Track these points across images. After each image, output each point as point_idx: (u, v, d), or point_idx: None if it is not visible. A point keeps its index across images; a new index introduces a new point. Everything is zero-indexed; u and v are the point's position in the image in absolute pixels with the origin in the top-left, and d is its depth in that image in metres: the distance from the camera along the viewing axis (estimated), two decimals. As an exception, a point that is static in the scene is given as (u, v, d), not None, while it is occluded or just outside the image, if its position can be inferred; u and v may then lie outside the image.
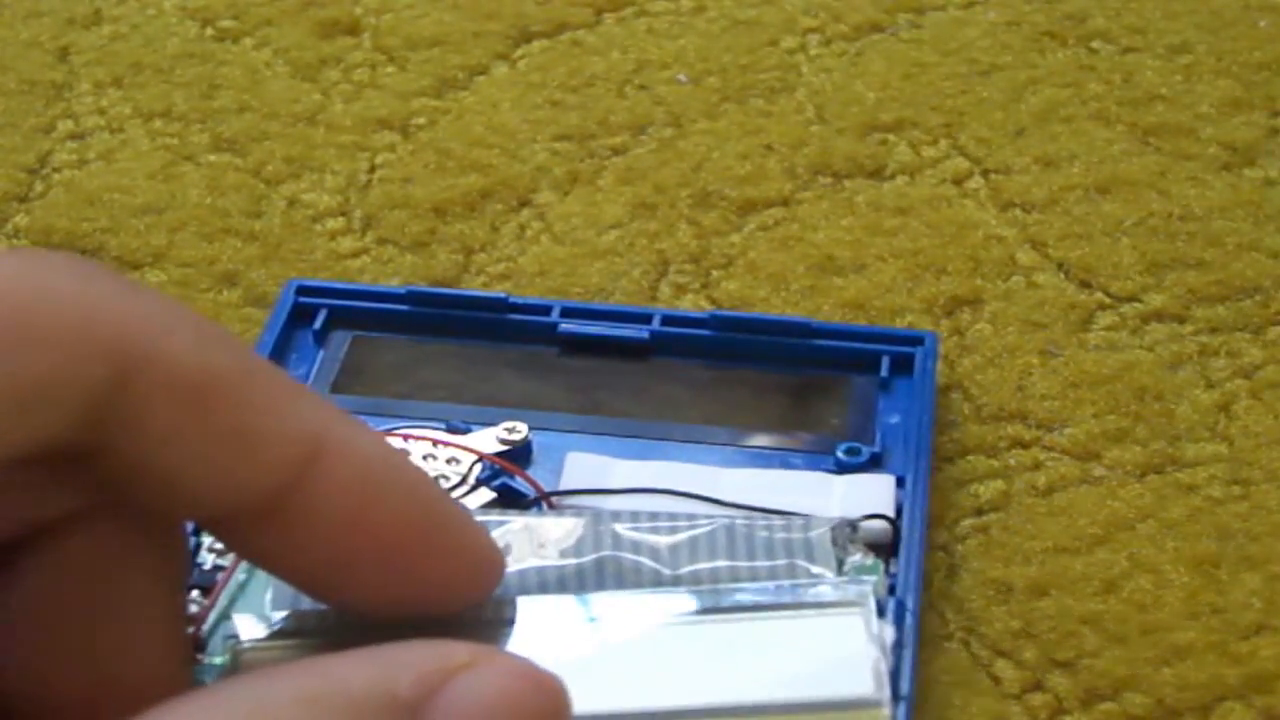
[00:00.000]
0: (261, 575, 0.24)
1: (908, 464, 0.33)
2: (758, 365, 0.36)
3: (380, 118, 0.45)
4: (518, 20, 0.48)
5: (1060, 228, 0.41)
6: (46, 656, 0.21)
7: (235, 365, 0.20)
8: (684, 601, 0.24)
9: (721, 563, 0.26)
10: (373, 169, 0.43)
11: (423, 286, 0.38)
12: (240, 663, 0.24)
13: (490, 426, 0.34)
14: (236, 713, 0.18)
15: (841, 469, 0.34)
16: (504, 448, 0.34)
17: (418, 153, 0.44)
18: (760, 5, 0.48)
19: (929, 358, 0.36)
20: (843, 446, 0.34)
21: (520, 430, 0.34)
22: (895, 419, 0.35)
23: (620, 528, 0.27)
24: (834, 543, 0.27)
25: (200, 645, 0.28)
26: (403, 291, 0.37)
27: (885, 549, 0.31)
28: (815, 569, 0.26)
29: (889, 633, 0.24)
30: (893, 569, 0.31)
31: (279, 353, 0.36)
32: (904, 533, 0.31)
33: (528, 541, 0.27)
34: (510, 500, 0.33)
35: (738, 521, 0.27)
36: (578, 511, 0.28)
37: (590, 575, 0.26)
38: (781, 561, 0.27)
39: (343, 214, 0.42)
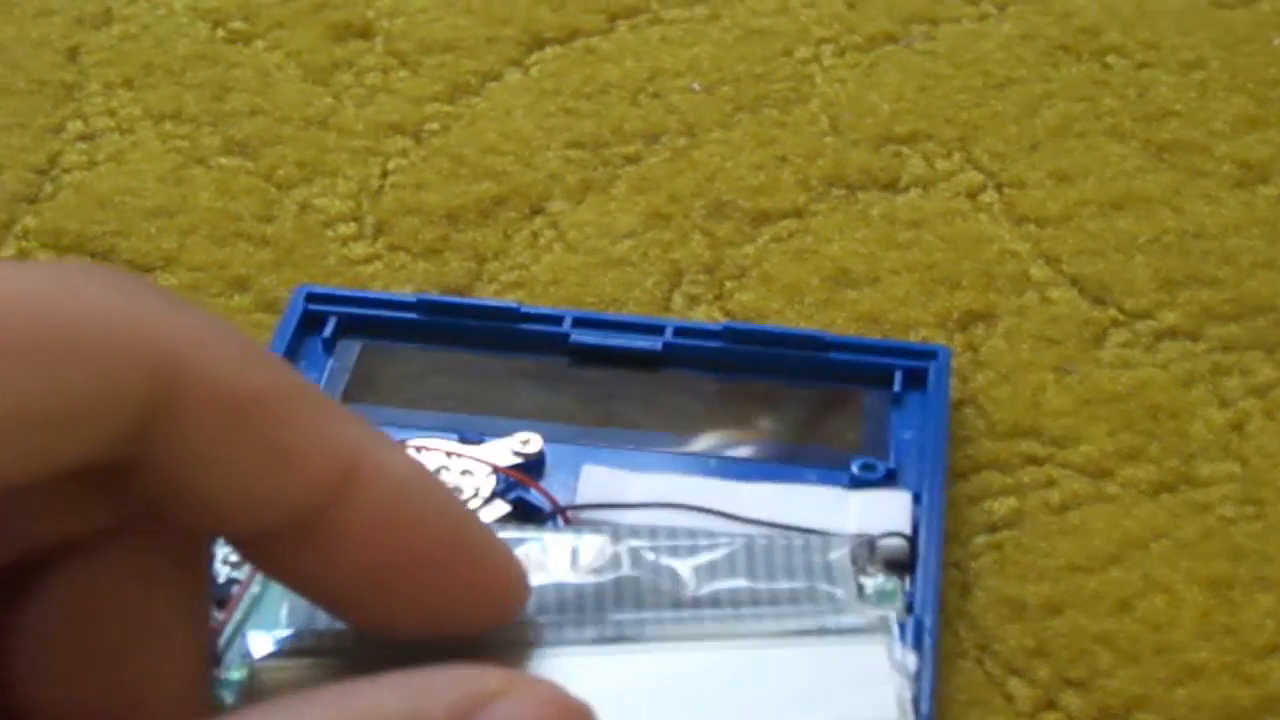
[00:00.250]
0: (275, 589, 0.23)
1: (923, 480, 0.33)
2: (770, 378, 0.36)
3: (392, 122, 0.45)
4: (531, 26, 0.48)
5: (1074, 243, 0.41)
6: (71, 674, 0.20)
7: (277, 383, 0.20)
8: (707, 626, 0.24)
9: (741, 583, 0.26)
10: (385, 174, 0.43)
11: (433, 295, 0.38)
12: (258, 681, 0.24)
13: (501, 437, 0.34)
14: None
15: (856, 484, 0.33)
16: (518, 460, 0.33)
17: (430, 158, 0.44)
18: (774, 15, 0.48)
19: (942, 372, 0.36)
20: (858, 462, 0.34)
21: (535, 442, 0.34)
22: (909, 434, 0.35)
23: (640, 546, 0.27)
24: (854, 563, 0.27)
25: (216, 659, 0.28)
26: (413, 300, 0.37)
27: (902, 566, 0.31)
28: (836, 591, 0.26)
29: (911, 659, 0.24)
30: (909, 586, 0.31)
31: (288, 360, 0.36)
32: (920, 550, 0.31)
33: (546, 559, 0.26)
34: (526, 514, 0.32)
35: (757, 541, 0.27)
36: (596, 528, 0.28)
37: (609, 595, 0.26)
38: (801, 584, 0.26)
39: (355, 220, 0.42)
